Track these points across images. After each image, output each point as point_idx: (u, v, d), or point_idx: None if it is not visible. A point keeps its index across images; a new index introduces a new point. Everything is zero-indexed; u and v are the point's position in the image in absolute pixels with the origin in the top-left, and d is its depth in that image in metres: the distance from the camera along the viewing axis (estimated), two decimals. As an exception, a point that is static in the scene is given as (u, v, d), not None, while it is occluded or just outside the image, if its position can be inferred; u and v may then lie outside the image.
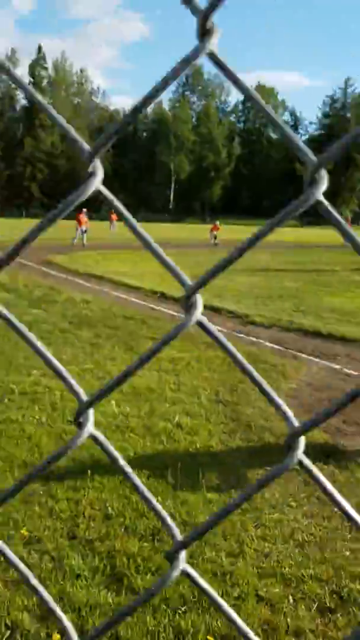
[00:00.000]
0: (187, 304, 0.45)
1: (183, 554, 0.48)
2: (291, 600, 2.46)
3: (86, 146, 0.43)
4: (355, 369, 6.51)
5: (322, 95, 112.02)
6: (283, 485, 3.47)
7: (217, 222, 28.46)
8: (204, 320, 0.45)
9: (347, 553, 2.83)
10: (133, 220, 0.44)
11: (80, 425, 0.47)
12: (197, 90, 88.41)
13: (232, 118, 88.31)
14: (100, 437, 0.47)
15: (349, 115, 76.32)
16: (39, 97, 0.44)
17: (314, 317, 9.52)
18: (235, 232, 38.19)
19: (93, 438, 0.47)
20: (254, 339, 7.74)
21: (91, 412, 0.47)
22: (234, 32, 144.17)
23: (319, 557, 2.80)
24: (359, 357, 7.06)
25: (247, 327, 8.60)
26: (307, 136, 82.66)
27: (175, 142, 77.53)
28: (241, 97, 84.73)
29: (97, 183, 0.43)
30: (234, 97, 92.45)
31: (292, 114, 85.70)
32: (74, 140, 0.43)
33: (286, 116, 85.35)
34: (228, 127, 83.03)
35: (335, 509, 3.22)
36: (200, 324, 0.45)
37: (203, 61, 0.39)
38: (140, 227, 0.44)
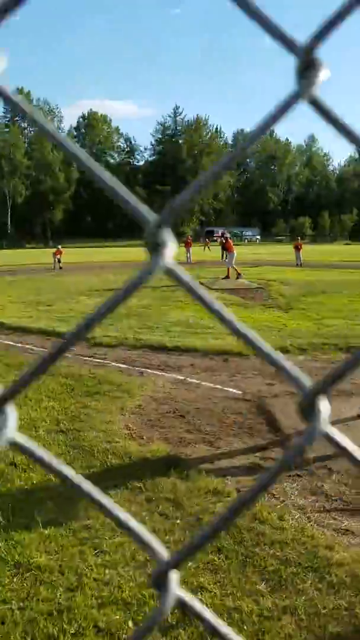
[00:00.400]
0: (306, 413, 0.35)
1: (174, 577, 0.38)
2: (131, 625, 2.35)
3: (150, 214, 0.33)
4: (198, 377, 6.74)
5: (155, 122, 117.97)
6: (126, 505, 3.37)
7: (60, 247, 27.97)
8: (334, 432, 0.35)
9: (189, 563, 2.80)
10: (220, 307, 0.34)
11: (162, 588, 0.38)
12: (27, 116, 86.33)
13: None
14: (189, 599, 0.38)
15: (181, 141, 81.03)
16: (85, 157, 0.35)
17: (160, 332, 9.71)
18: (80, 255, 37.92)
19: (182, 604, 0.38)
20: (101, 361, 7.61)
21: (175, 574, 0.38)
22: (77, 65, 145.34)
23: (163, 573, 2.73)
24: (201, 365, 7.34)
25: (93, 349, 8.44)
26: (142, 162, 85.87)
27: (8, 167, 74.96)
28: (75, 123, 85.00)
29: (167, 261, 0.32)
30: (67, 122, 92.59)
31: (127, 140, 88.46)
32: (134, 208, 0.33)
33: (121, 143, 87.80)
34: (64, 151, 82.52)
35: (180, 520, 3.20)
36: (328, 438, 0.35)
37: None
38: (235, 320, 0.34)
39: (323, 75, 0.32)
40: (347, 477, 3.85)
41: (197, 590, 2.62)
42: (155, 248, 0.33)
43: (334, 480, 3.78)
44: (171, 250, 0.34)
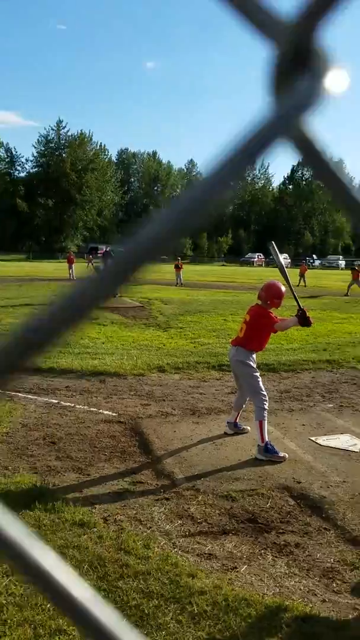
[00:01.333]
0: None
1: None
2: None
3: None
4: (72, 400, 6.53)
5: (37, 134, 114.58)
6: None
7: None
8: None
9: (49, 605, 2.64)
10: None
11: None
12: None
13: None
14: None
15: (64, 155, 79.56)
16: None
17: (34, 352, 9.29)
18: None
19: None
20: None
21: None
22: None
23: (18, 618, 2.54)
24: (77, 387, 7.13)
25: None
26: (25, 173, 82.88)
27: None
28: None
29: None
30: None
31: (8, 150, 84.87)
32: None
33: (1, 152, 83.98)
34: None
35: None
36: None
37: None
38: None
39: (334, 81, 0.16)
40: (213, 497, 3.93)
41: (54, 633, 2.47)
42: None
43: (200, 502, 3.84)
44: None
